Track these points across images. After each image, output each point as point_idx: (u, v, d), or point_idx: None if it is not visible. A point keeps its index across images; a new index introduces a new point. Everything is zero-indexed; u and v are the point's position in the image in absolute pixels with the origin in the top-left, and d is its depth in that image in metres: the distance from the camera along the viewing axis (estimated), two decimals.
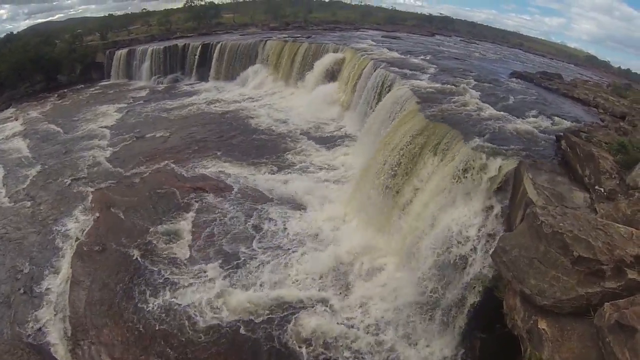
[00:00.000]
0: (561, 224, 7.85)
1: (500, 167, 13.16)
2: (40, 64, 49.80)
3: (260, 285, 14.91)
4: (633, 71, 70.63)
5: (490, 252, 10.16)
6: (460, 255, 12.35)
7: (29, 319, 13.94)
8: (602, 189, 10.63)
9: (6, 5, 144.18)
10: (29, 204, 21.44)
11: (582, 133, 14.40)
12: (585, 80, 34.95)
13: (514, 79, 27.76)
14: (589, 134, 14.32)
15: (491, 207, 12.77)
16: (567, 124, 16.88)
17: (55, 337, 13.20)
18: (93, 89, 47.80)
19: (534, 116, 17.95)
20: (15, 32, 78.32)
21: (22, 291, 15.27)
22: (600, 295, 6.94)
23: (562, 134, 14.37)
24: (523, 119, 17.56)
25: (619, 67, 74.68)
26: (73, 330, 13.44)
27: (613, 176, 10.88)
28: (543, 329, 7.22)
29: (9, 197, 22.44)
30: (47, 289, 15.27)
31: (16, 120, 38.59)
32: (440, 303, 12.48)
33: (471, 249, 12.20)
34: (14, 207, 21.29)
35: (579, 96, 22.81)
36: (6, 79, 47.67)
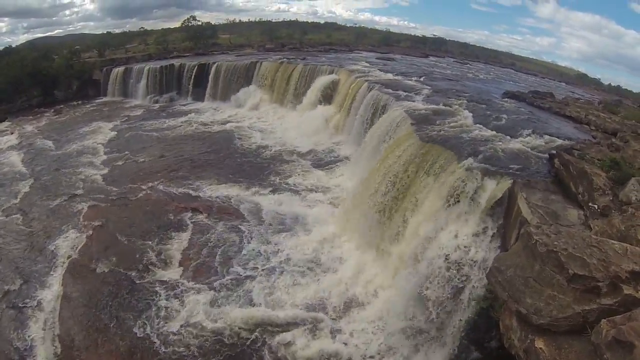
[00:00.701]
0: (555, 243, 7.87)
1: (494, 187, 13.20)
2: (38, 79, 49.87)
3: (252, 306, 14.75)
4: (623, 87, 71.55)
5: (486, 272, 10.13)
6: (455, 275, 12.27)
7: (18, 336, 13.71)
8: (595, 206, 10.69)
9: (5, 19, 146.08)
10: (21, 219, 21.24)
11: (574, 151, 14.57)
12: (576, 98, 35.49)
13: (506, 99, 28.08)
14: (581, 151, 14.49)
15: (486, 227, 12.74)
16: (559, 142, 17.03)
17: (44, 357, 12.95)
18: (89, 106, 47.93)
19: (526, 135, 18.09)
20: (13, 46, 78.41)
21: (11, 307, 15.03)
22: (596, 312, 6.91)
23: (555, 152, 14.49)
24: (516, 138, 17.69)
25: (610, 84, 75.52)
26: (63, 349, 13.20)
27: (606, 192, 10.96)
28: (540, 348, 7.16)
29: (0, 212, 22.22)
30: (38, 306, 15.03)
31: (11, 134, 38.61)
32: (435, 323, 12.34)
33: (466, 270, 12.13)
34: (5, 222, 21.06)
35: (570, 114, 23.04)
36: (3, 92, 47.52)
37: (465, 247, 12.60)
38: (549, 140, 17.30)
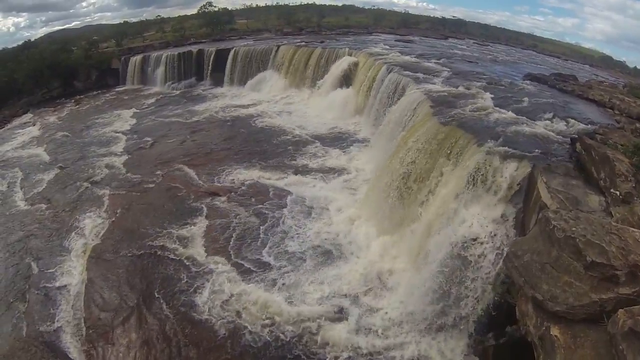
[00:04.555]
0: (574, 229, 7.67)
1: (514, 170, 12.99)
2: (57, 71, 50.93)
3: (276, 289, 14.90)
4: None
5: (503, 256, 10.03)
6: (473, 260, 12.17)
7: (44, 319, 14.17)
8: (617, 192, 10.38)
9: (24, 14, 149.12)
10: (45, 207, 21.84)
11: (597, 135, 14.16)
12: (600, 81, 34.24)
13: (527, 81, 27.32)
14: (604, 136, 14.06)
15: (505, 212, 12.58)
16: (582, 126, 16.54)
17: (70, 338, 13.38)
18: (109, 95, 48.67)
19: (548, 119, 17.62)
20: (32, 40, 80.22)
21: (37, 291, 15.52)
22: (614, 302, 6.75)
23: (576, 136, 14.11)
24: (537, 121, 17.24)
25: (635, 67, 72.89)
26: (87, 331, 13.61)
27: (629, 179, 10.62)
28: (555, 336, 7.05)
29: (25, 200, 22.93)
30: (63, 290, 15.51)
31: (34, 125, 39.52)
32: (453, 308, 12.33)
33: (484, 254, 12.03)
34: (30, 210, 21.73)
35: (594, 97, 22.31)
36: (24, 85, 48.77)
37: (483, 230, 12.47)
38: (570, 124, 16.80)
